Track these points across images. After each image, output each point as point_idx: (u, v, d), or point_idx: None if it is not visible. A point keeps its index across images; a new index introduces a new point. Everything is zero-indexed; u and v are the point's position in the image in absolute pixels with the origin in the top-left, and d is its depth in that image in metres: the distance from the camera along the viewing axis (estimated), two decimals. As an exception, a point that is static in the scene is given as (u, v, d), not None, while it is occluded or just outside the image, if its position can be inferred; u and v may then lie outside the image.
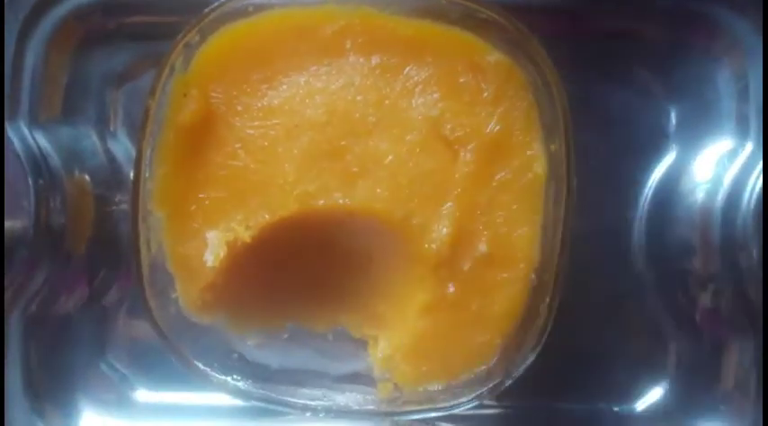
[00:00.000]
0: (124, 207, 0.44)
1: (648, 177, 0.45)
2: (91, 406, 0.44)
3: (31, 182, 0.42)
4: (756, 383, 0.43)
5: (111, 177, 0.44)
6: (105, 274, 0.45)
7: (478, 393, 0.34)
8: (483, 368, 0.34)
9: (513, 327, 0.35)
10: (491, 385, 0.34)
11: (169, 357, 0.39)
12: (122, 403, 0.44)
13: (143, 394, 0.45)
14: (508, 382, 0.33)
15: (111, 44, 0.44)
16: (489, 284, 0.36)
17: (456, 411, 0.34)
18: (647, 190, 0.45)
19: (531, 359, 0.34)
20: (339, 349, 0.39)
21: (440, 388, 0.35)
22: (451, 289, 0.36)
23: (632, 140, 0.45)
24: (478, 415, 0.44)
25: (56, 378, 0.44)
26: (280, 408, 0.36)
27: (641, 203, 0.45)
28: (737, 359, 0.43)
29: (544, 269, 0.35)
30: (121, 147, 0.45)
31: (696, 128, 0.44)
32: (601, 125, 0.44)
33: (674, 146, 0.44)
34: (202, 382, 0.37)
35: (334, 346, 0.39)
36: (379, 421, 0.36)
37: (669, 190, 0.44)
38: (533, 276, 0.35)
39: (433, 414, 0.34)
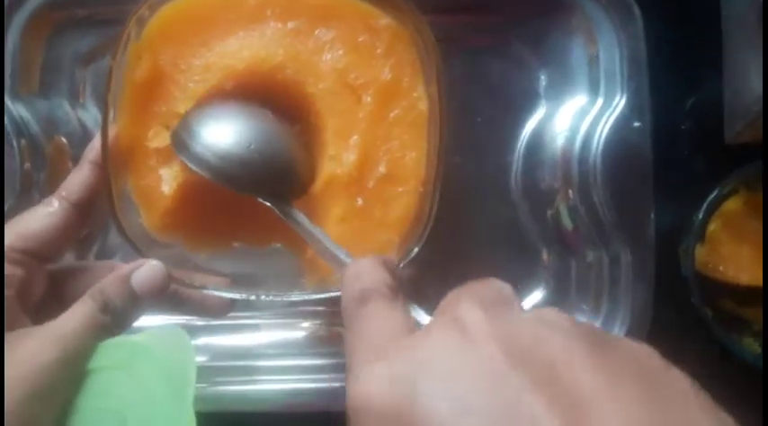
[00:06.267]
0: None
1: (523, 128, 0.50)
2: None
3: (15, 144, 0.45)
4: (607, 284, 0.47)
5: (83, 140, 0.48)
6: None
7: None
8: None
9: (406, 228, 0.40)
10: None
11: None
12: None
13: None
14: (401, 265, 0.37)
15: (79, 30, 0.48)
16: (388, 196, 0.40)
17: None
18: (522, 139, 0.50)
19: (417, 249, 0.38)
20: (275, 259, 0.43)
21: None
22: (360, 202, 0.40)
23: (511, 100, 0.50)
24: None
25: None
26: (231, 296, 0.39)
27: (518, 149, 0.50)
28: (592, 266, 0.48)
29: (428, 182, 0.39)
30: (90, 116, 0.49)
31: (560, 89, 0.49)
32: (485, 90, 0.50)
33: (543, 103, 0.50)
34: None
35: (271, 258, 0.43)
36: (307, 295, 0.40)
37: (539, 138, 0.50)
38: (421, 188, 0.40)
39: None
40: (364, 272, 0.29)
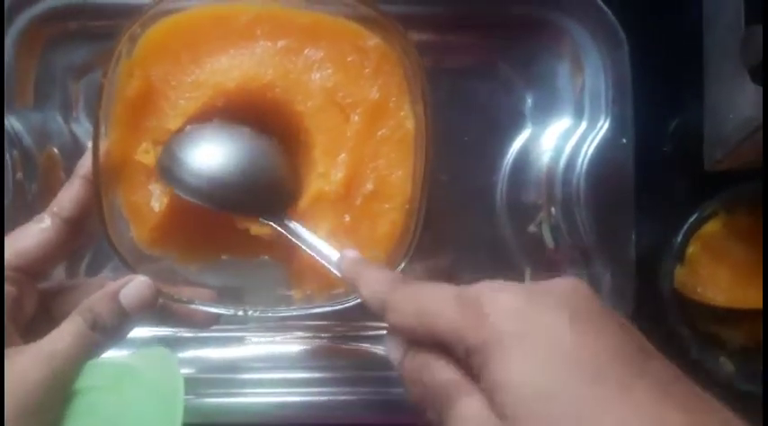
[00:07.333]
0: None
1: (509, 148, 0.51)
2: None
3: (8, 155, 0.45)
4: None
5: (75, 152, 0.48)
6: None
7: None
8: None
9: (393, 245, 0.40)
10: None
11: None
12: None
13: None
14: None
15: (72, 43, 0.48)
16: (375, 213, 0.40)
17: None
18: (507, 158, 0.51)
19: (403, 264, 0.38)
20: (263, 271, 0.43)
21: (341, 292, 0.39)
22: (347, 219, 0.40)
23: (497, 121, 0.51)
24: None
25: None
26: (219, 311, 0.39)
27: (503, 168, 0.51)
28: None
29: (414, 199, 0.39)
30: (83, 128, 0.49)
31: (546, 111, 0.50)
32: (472, 110, 0.51)
33: (529, 124, 0.51)
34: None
35: (260, 270, 0.43)
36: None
37: (524, 158, 0.51)
38: (407, 206, 0.40)
39: (334, 308, 0.38)
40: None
